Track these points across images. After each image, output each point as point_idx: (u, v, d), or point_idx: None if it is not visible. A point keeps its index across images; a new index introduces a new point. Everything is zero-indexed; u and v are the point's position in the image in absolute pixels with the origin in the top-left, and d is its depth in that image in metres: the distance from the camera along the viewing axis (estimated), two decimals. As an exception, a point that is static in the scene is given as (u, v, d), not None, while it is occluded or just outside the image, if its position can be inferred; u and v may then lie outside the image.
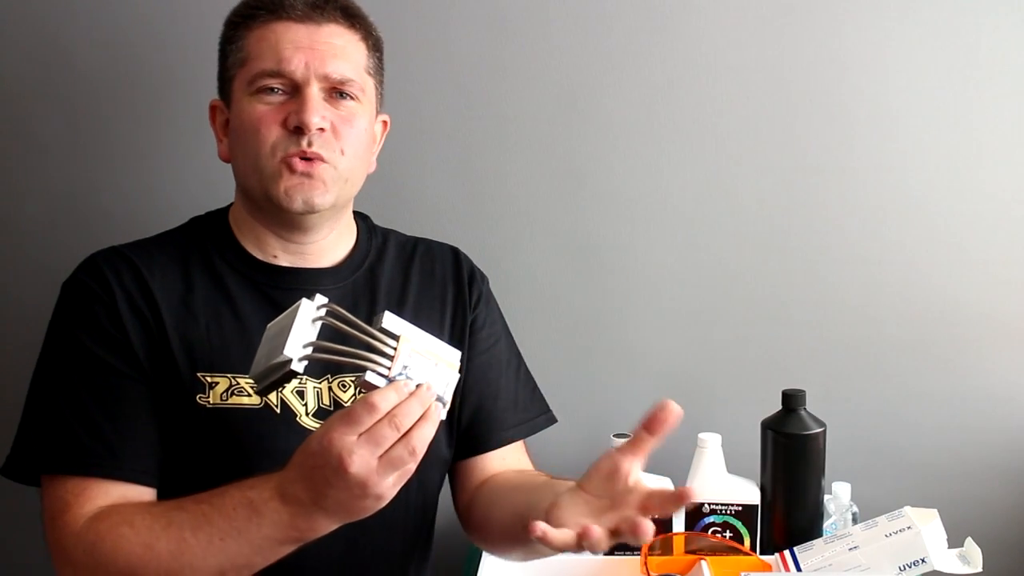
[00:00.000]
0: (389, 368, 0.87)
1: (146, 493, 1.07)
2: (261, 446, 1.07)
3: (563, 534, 0.90)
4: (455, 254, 1.29)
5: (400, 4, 1.49)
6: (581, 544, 0.89)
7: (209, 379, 1.09)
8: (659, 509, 0.91)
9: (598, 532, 0.88)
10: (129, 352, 1.08)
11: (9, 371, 1.43)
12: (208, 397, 1.08)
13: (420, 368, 0.89)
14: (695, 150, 1.53)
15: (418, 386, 0.88)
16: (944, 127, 1.51)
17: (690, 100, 1.51)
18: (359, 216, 1.27)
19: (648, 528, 0.88)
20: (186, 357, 1.09)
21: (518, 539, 1.06)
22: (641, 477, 0.94)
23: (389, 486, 0.88)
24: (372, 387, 0.87)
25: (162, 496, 1.07)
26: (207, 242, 1.17)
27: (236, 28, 1.15)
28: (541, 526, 0.89)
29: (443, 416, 0.90)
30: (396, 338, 0.88)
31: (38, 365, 1.11)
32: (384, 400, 0.85)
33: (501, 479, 1.23)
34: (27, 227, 1.54)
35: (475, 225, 1.54)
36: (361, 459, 0.85)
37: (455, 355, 0.93)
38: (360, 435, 0.85)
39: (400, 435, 0.86)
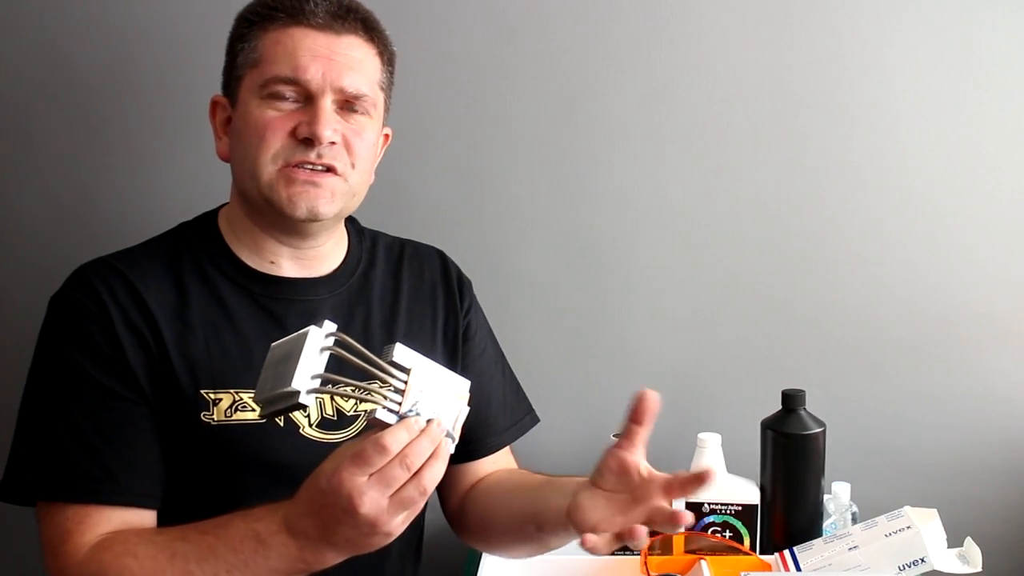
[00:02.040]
0: (400, 404, 0.85)
1: (148, 517, 1.05)
2: (267, 460, 1.06)
3: (606, 539, 0.93)
4: (442, 257, 1.28)
5: (400, 4, 1.49)
6: (622, 541, 0.92)
7: (212, 396, 1.07)
8: (681, 491, 0.94)
9: (642, 530, 0.91)
10: (127, 373, 1.05)
11: (5, 378, 1.42)
12: (212, 414, 1.06)
13: (430, 402, 0.87)
14: (695, 150, 1.53)
15: (428, 422, 0.86)
16: (944, 127, 1.51)
17: (690, 100, 1.51)
18: (347, 219, 1.24)
19: (684, 516, 0.91)
20: (188, 374, 1.07)
21: (526, 538, 1.07)
22: (650, 467, 0.96)
23: (399, 524, 0.87)
24: (382, 423, 0.85)
25: (165, 514, 1.05)
26: (198, 250, 1.14)
27: (251, 27, 1.11)
28: (591, 538, 0.92)
29: (452, 450, 0.89)
30: (406, 371, 0.86)
31: (29, 384, 1.08)
32: (395, 440, 0.84)
33: (494, 480, 1.23)
34: (24, 229, 1.54)
35: (475, 225, 1.54)
36: (372, 500, 0.84)
37: (464, 386, 0.91)
38: (371, 476, 0.84)
39: (411, 475, 0.85)
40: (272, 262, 1.15)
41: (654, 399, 0.94)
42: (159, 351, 1.07)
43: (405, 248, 1.27)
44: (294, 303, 1.12)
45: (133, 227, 1.26)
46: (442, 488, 1.27)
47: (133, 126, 1.52)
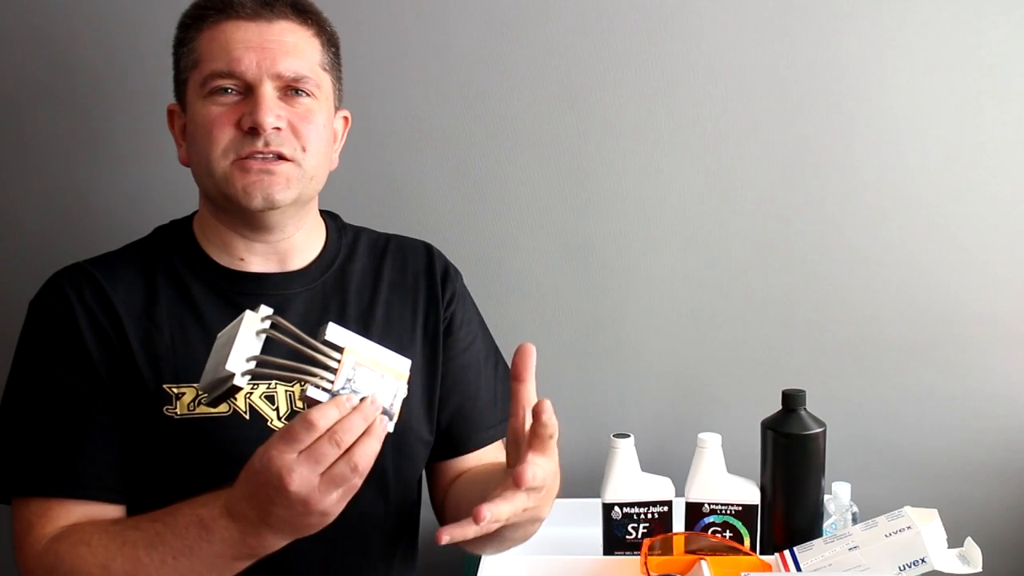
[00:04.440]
0: (332, 382, 0.86)
1: (111, 511, 1.07)
2: (231, 453, 1.04)
3: (465, 525, 0.90)
4: (428, 250, 1.28)
5: (399, 4, 1.49)
6: (479, 522, 0.89)
7: (175, 390, 1.08)
8: (537, 440, 0.91)
9: (485, 512, 0.88)
10: (92, 372, 1.08)
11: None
12: (175, 408, 1.08)
13: (366, 381, 0.87)
14: (695, 150, 1.53)
15: (362, 400, 0.86)
16: (944, 127, 1.51)
17: (690, 100, 1.51)
18: (328, 215, 1.25)
19: (522, 474, 0.89)
20: (151, 370, 1.08)
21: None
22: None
23: (333, 502, 0.87)
24: (315, 402, 0.85)
25: (138, 508, 1.07)
26: (171, 251, 1.16)
27: (187, 30, 1.14)
28: (444, 536, 0.90)
29: (390, 429, 0.89)
30: (340, 350, 0.86)
31: (7, 385, 1.11)
32: (323, 417, 0.84)
33: (470, 474, 1.23)
34: (21, 230, 1.54)
35: (475, 225, 1.54)
36: (301, 477, 0.84)
37: (404, 364, 0.91)
38: (300, 453, 0.84)
39: (342, 452, 0.85)
40: (241, 259, 1.16)
41: (529, 350, 0.93)
42: (122, 349, 1.09)
43: (390, 243, 1.27)
44: (265, 298, 1.11)
45: (130, 228, 1.26)
46: (429, 485, 1.28)
47: (131, 127, 1.52)
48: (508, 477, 0.92)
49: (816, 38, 1.50)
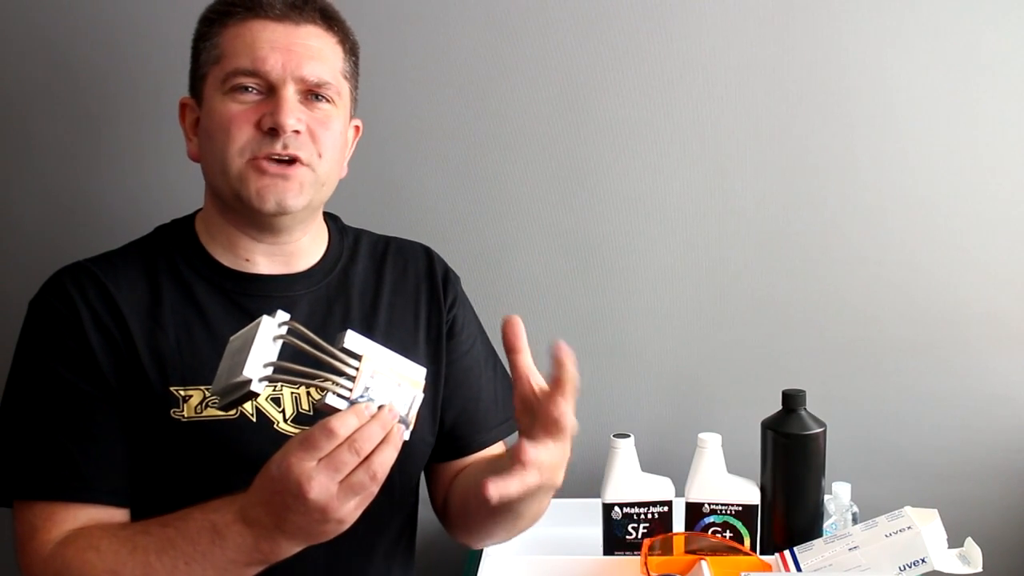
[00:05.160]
0: (351, 390, 0.86)
1: (117, 514, 1.06)
2: (239, 456, 1.06)
3: (508, 477, 0.91)
4: (427, 253, 1.28)
5: (400, 4, 1.49)
6: (522, 459, 0.90)
7: (182, 393, 1.07)
8: (559, 390, 0.93)
9: (529, 451, 0.90)
10: (96, 373, 1.06)
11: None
12: (182, 411, 1.07)
13: (383, 388, 0.87)
14: (695, 150, 1.53)
15: (380, 408, 0.86)
16: (945, 127, 1.51)
17: (690, 100, 1.51)
18: (329, 217, 1.25)
19: (552, 410, 0.92)
20: (157, 372, 1.07)
21: (502, 513, 1.06)
22: (543, 385, 0.95)
23: (351, 510, 0.87)
24: (333, 409, 0.85)
25: (142, 512, 1.06)
26: (173, 251, 1.15)
27: (211, 25, 1.13)
28: (491, 488, 0.90)
29: (406, 437, 0.89)
30: (358, 358, 0.86)
31: (7, 386, 1.10)
32: (343, 425, 0.84)
33: (471, 467, 1.23)
34: (22, 229, 1.54)
35: (475, 225, 1.54)
36: (320, 485, 0.84)
37: (420, 372, 0.91)
38: (319, 460, 0.84)
39: (361, 460, 0.85)
40: (247, 260, 1.15)
41: (516, 321, 0.95)
42: (128, 350, 1.08)
43: (390, 245, 1.27)
44: (269, 299, 1.11)
45: (130, 228, 1.26)
46: (429, 486, 1.28)
47: (132, 127, 1.52)
48: (532, 431, 0.94)
49: (816, 38, 1.50)
